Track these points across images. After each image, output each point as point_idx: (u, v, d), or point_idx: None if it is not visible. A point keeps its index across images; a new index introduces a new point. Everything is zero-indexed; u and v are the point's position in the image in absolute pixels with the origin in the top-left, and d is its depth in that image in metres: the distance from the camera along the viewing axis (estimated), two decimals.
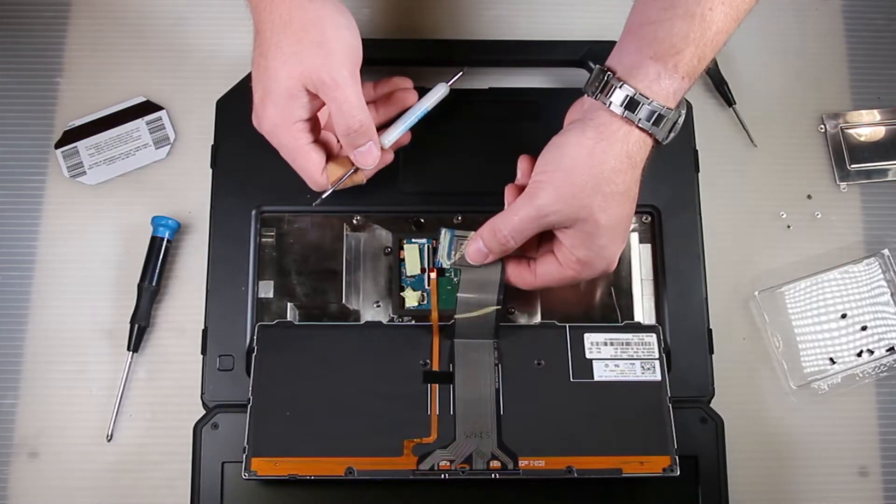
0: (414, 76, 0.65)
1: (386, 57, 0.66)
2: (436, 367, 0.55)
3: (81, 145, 0.65)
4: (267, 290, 0.59)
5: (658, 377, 0.55)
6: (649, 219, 0.61)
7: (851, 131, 0.67)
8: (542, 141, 0.61)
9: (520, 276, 0.54)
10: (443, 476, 0.52)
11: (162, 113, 0.65)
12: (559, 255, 0.52)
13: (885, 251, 0.64)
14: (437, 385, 0.54)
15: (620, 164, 0.49)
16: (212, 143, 0.62)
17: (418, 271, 0.60)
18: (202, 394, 0.57)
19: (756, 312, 0.63)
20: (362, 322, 0.57)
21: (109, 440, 0.60)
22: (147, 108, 0.66)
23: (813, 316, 0.63)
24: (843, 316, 0.63)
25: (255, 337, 0.56)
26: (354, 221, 0.60)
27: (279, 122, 0.52)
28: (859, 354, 0.63)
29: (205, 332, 0.58)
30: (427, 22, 0.70)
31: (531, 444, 0.53)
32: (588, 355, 0.56)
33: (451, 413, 0.54)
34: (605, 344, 0.56)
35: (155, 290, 0.61)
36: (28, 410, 0.61)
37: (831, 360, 0.63)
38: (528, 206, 0.50)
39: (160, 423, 0.60)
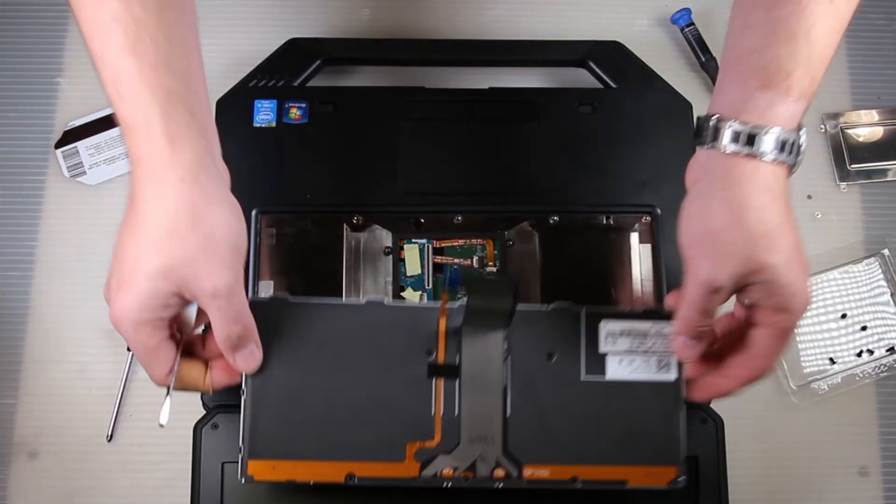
0: (414, 76, 0.65)
1: (386, 57, 0.66)
2: (441, 358, 0.52)
3: (81, 145, 0.65)
4: (267, 290, 0.59)
5: (673, 376, 0.53)
6: (649, 219, 0.61)
7: (851, 131, 0.67)
8: (542, 141, 0.60)
9: (750, 371, 0.50)
10: (445, 485, 0.51)
11: None
12: (762, 320, 0.48)
13: (885, 251, 0.64)
14: (442, 381, 0.52)
15: (762, 201, 0.46)
16: None
17: (418, 271, 0.60)
18: (202, 394, 0.57)
19: None
20: (363, 300, 0.53)
21: (109, 440, 0.60)
22: None
23: (813, 316, 0.63)
24: (843, 316, 0.63)
25: None
26: (354, 221, 0.60)
27: (136, 318, 0.45)
28: (859, 354, 0.63)
29: (204, 331, 0.58)
30: (427, 22, 0.70)
31: (536, 451, 0.52)
32: (602, 349, 0.53)
33: (456, 414, 0.52)
34: (622, 335, 0.53)
35: None
36: (28, 410, 0.61)
37: (831, 360, 0.63)
38: (698, 285, 0.47)
39: None
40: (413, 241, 0.60)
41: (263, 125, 0.61)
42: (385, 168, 0.58)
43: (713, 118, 0.47)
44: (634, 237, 0.61)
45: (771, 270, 0.46)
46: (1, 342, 0.62)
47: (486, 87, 0.65)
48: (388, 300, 0.53)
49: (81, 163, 0.64)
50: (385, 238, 0.61)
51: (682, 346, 0.50)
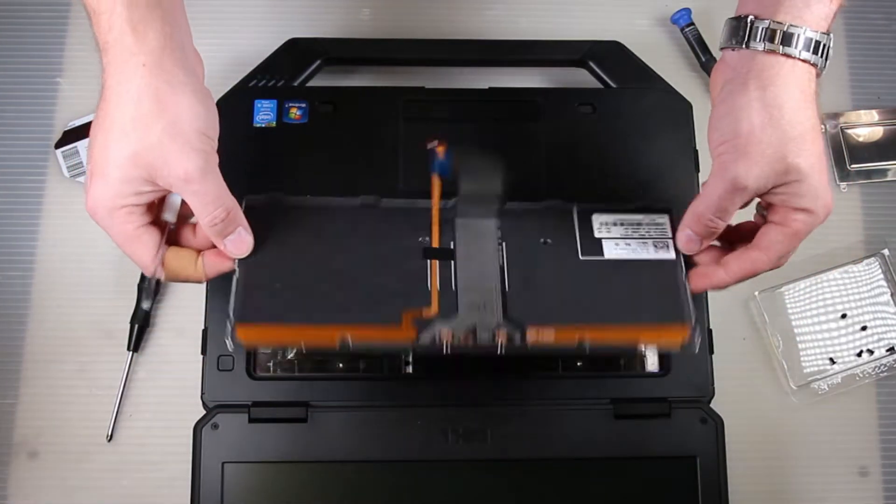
0: (414, 76, 0.65)
1: (386, 57, 0.66)
2: (436, 242, 0.51)
3: (81, 145, 0.65)
4: None
5: (672, 255, 0.51)
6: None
7: (851, 131, 0.67)
8: (542, 141, 0.61)
9: (751, 263, 0.49)
10: (445, 350, 0.48)
11: None
12: (778, 219, 0.49)
13: (885, 251, 0.64)
14: (437, 262, 0.51)
15: (797, 102, 0.46)
16: None
17: None
18: (202, 394, 0.57)
19: (756, 312, 0.63)
20: (358, 200, 0.53)
21: (109, 440, 0.60)
22: None
23: (813, 316, 0.63)
24: (843, 316, 0.63)
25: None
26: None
27: (109, 205, 0.45)
28: (859, 354, 0.63)
29: (205, 332, 0.58)
30: (427, 22, 0.70)
31: (539, 314, 0.49)
32: (597, 234, 0.52)
33: (453, 288, 0.50)
34: (616, 224, 0.53)
35: (155, 290, 0.61)
36: (28, 410, 0.61)
37: (831, 360, 0.63)
38: (724, 182, 0.47)
39: (160, 423, 0.60)
40: None
41: (263, 125, 0.61)
42: (385, 168, 0.58)
43: (747, 18, 0.47)
44: None
45: (799, 172, 0.46)
46: (1, 342, 0.62)
47: (486, 87, 0.65)
48: (384, 201, 0.53)
49: (81, 163, 0.64)
50: None
51: (685, 239, 0.50)
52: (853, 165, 0.67)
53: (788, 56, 0.46)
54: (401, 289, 0.50)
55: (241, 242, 0.49)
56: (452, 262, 0.51)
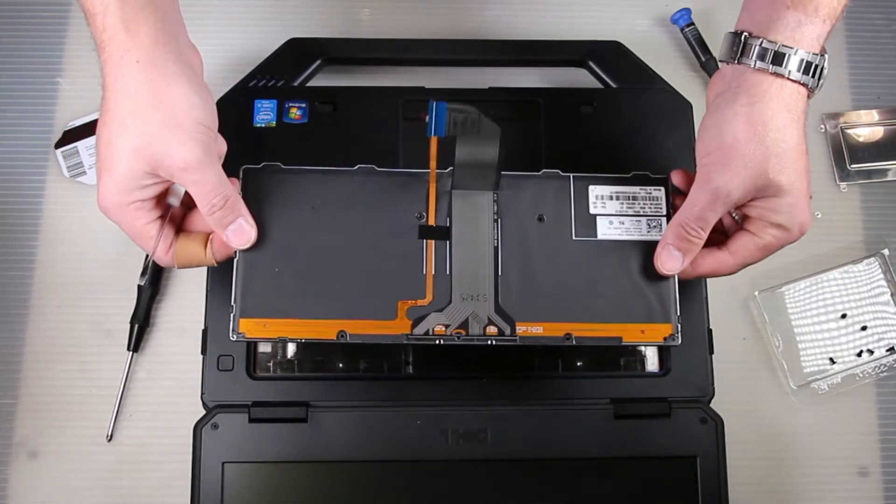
0: (414, 76, 0.65)
1: (386, 57, 0.66)
2: (432, 220, 0.53)
3: (81, 145, 0.65)
4: None
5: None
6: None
7: (851, 131, 0.67)
8: (542, 141, 0.61)
9: (717, 263, 0.52)
10: (437, 341, 0.51)
11: None
12: (753, 229, 0.51)
13: (885, 251, 0.64)
14: (433, 242, 0.52)
15: (782, 120, 0.48)
16: None
17: None
18: (202, 394, 0.57)
19: (756, 312, 0.63)
20: (354, 167, 0.54)
21: (109, 440, 0.60)
22: None
23: (813, 316, 0.63)
24: (843, 316, 0.63)
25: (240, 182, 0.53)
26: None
27: (118, 201, 0.47)
28: (859, 354, 0.63)
29: (205, 332, 0.58)
30: (427, 22, 0.70)
31: (529, 309, 0.52)
32: (592, 210, 0.54)
33: (448, 273, 0.52)
34: (611, 198, 0.54)
35: (155, 290, 0.61)
36: (28, 410, 0.61)
37: (831, 360, 0.63)
38: (706, 193, 0.49)
39: (160, 423, 0.60)
40: None
41: (263, 125, 0.61)
42: (385, 167, 0.58)
43: (742, 34, 0.48)
44: None
45: (778, 189, 0.48)
46: (1, 342, 0.62)
47: (486, 86, 0.65)
48: (381, 170, 0.54)
49: (81, 163, 0.64)
50: None
51: (667, 256, 0.51)
52: (853, 165, 0.67)
53: (778, 75, 0.47)
54: (397, 274, 0.52)
55: (241, 233, 0.50)
56: (448, 242, 0.52)
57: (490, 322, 0.51)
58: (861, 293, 0.64)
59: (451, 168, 0.52)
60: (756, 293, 0.63)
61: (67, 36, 0.67)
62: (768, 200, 0.49)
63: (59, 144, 0.65)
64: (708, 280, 0.60)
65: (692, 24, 0.69)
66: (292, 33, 0.64)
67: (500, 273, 0.52)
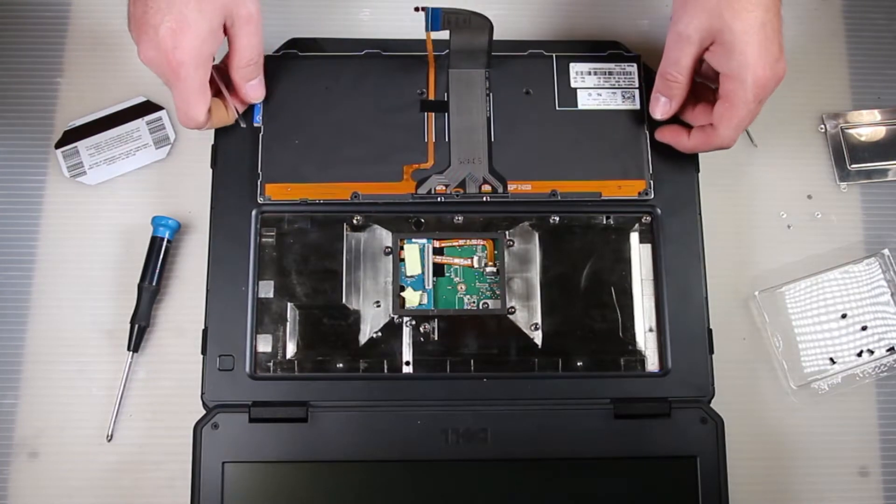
0: None
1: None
2: (432, 95, 0.60)
3: (81, 145, 0.65)
4: (267, 290, 0.59)
5: (637, 106, 0.61)
6: (649, 219, 0.61)
7: (851, 131, 0.67)
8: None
9: (704, 134, 0.57)
10: (439, 199, 0.59)
11: (162, 113, 0.65)
12: (720, 91, 0.55)
13: (885, 251, 0.64)
14: (433, 114, 0.60)
15: None
16: (212, 143, 0.62)
17: (418, 271, 0.60)
18: (202, 394, 0.57)
19: (756, 312, 0.63)
20: (363, 52, 0.62)
21: (109, 440, 0.60)
22: (147, 108, 0.66)
23: (813, 316, 0.63)
24: (844, 316, 0.63)
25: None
26: (354, 221, 0.60)
27: (196, 58, 0.52)
28: (859, 354, 0.63)
29: (205, 332, 0.58)
30: None
31: (519, 170, 0.59)
32: (573, 84, 0.61)
33: (447, 140, 0.59)
34: (590, 73, 0.61)
35: (155, 290, 0.61)
36: (28, 410, 0.61)
37: (831, 360, 0.63)
38: (672, 35, 0.55)
39: (160, 423, 0.60)
40: (413, 240, 0.60)
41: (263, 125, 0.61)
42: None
43: None
44: (634, 237, 0.61)
45: (731, 33, 0.52)
46: (1, 342, 0.62)
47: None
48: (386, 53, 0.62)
49: (81, 163, 0.64)
50: (385, 238, 0.61)
51: (654, 102, 0.58)
52: (853, 165, 0.67)
53: None
54: (402, 142, 0.60)
55: (258, 88, 0.58)
56: (446, 113, 0.60)
57: (485, 181, 0.59)
58: (861, 293, 0.64)
59: (448, 51, 0.60)
60: (756, 293, 0.63)
61: (67, 36, 0.67)
62: (723, 46, 0.53)
63: (59, 144, 0.65)
64: (708, 280, 0.60)
65: None
66: (292, 33, 0.64)
67: (492, 139, 0.60)
